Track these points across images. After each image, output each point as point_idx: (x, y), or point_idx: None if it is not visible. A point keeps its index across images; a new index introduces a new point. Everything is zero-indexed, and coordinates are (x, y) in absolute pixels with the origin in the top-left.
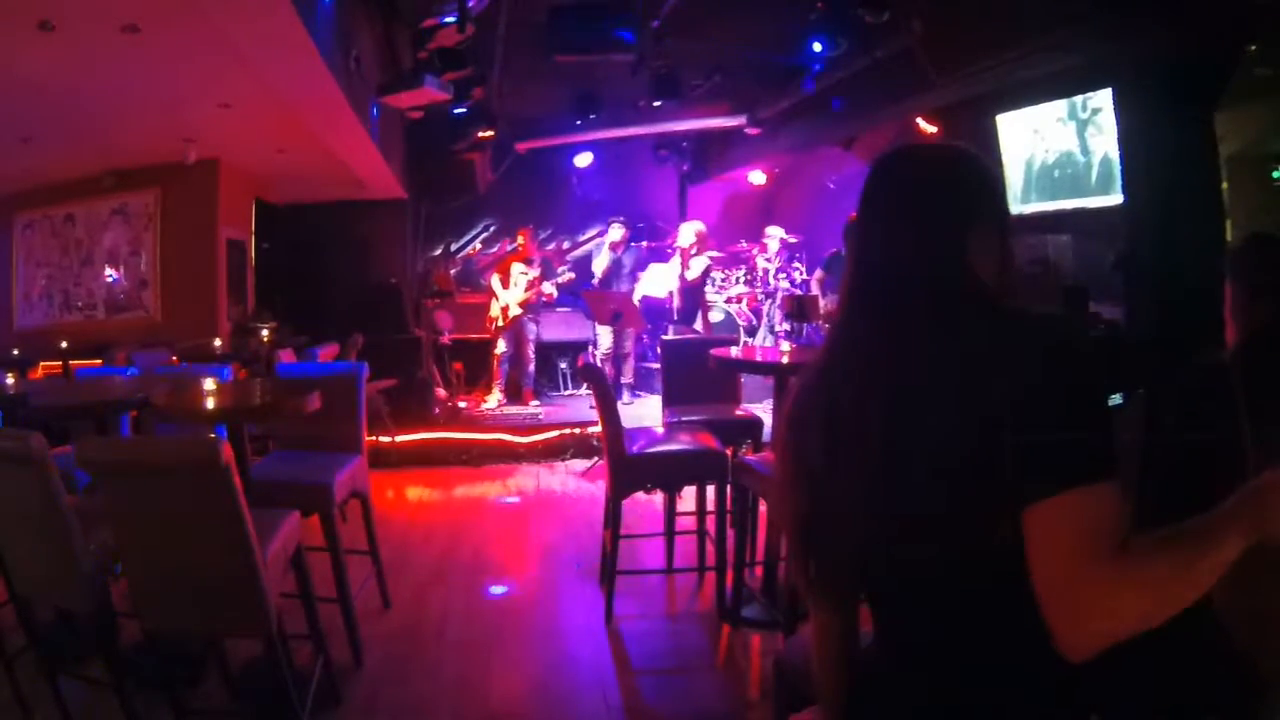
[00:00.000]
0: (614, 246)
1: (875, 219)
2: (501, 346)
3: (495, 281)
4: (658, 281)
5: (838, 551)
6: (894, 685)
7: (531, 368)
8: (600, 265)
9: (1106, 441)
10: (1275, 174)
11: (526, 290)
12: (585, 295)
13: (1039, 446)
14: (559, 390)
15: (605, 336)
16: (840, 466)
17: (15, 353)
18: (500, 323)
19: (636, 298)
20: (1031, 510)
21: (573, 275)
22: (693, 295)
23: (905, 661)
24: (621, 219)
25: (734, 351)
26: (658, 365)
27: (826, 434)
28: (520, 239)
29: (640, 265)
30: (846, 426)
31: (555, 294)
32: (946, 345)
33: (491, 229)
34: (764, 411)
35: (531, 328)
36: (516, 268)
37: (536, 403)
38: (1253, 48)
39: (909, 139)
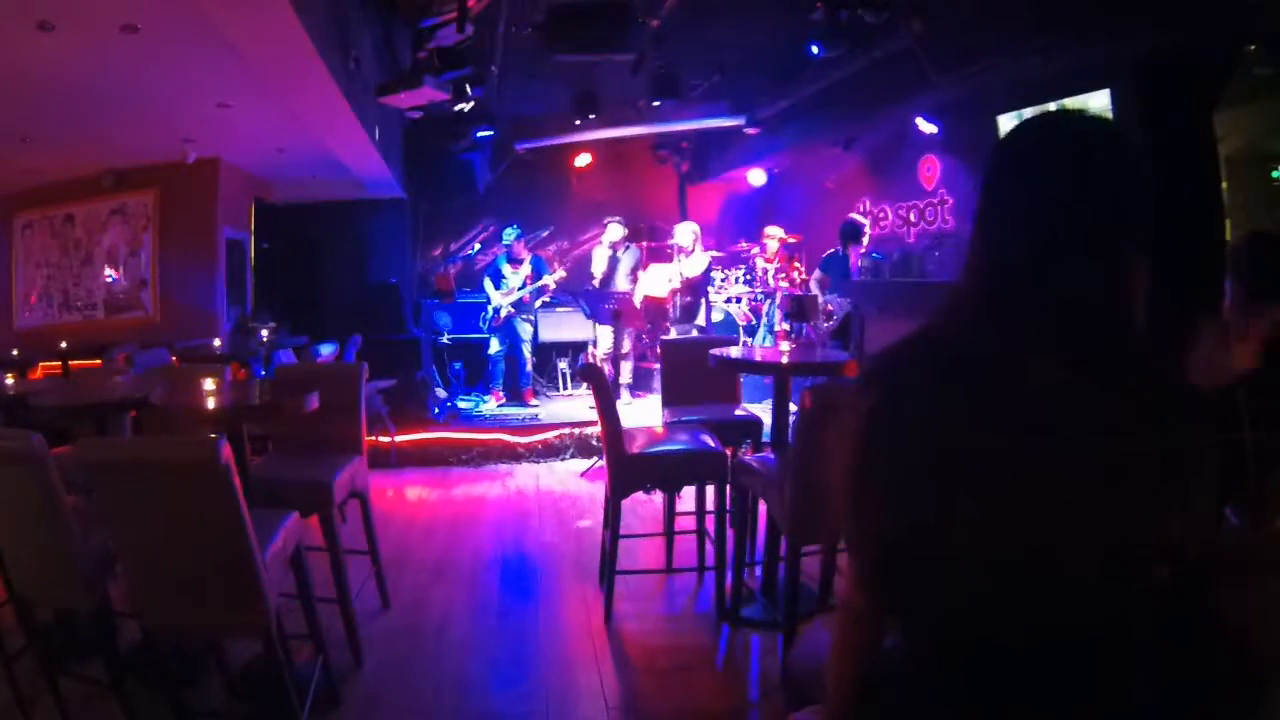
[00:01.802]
0: (612, 245)
1: (1057, 210)
2: (495, 346)
3: (486, 282)
4: (658, 281)
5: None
6: (931, 690)
7: (529, 367)
8: (599, 266)
9: None
10: (1275, 173)
11: (518, 289)
12: (586, 295)
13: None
14: (558, 390)
15: (605, 337)
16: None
17: (15, 353)
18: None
19: (638, 298)
20: None
21: (564, 274)
22: (695, 292)
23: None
24: (619, 219)
25: (733, 351)
26: (657, 365)
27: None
28: (508, 237)
29: (639, 265)
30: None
31: (552, 285)
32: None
33: (490, 229)
34: (764, 411)
35: (526, 327)
36: (508, 268)
37: (535, 402)
38: (1252, 48)
39: (906, 139)
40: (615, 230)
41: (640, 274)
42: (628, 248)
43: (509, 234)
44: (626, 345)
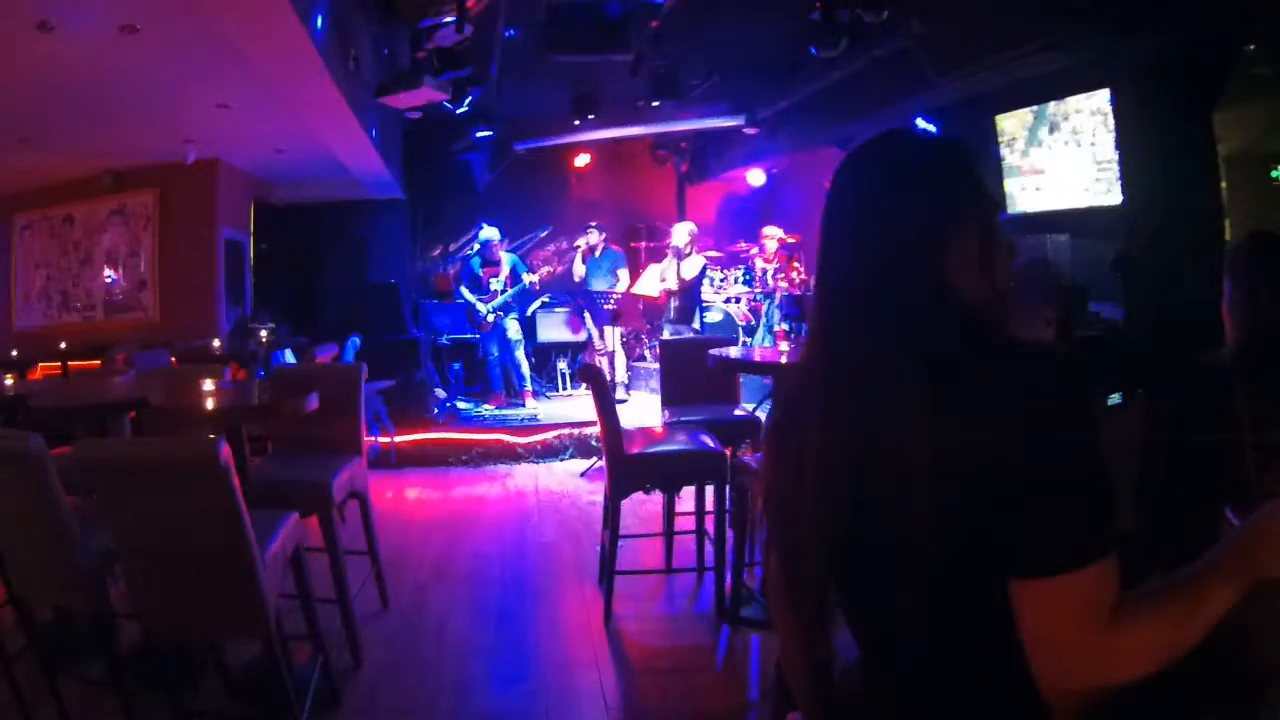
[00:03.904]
0: (585, 251)
1: (836, 226)
2: (495, 352)
3: (464, 290)
4: (652, 282)
5: (810, 581)
6: (869, 707)
7: (524, 369)
8: (578, 270)
9: (1108, 517)
10: (1274, 173)
11: (501, 294)
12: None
13: (1037, 526)
14: (557, 390)
15: (596, 334)
16: (807, 505)
17: (14, 353)
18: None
19: (622, 289)
20: (1023, 585)
21: (550, 268)
22: (690, 294)
23: (881, 686)
24: (597, 224)
25: (733, 352)
26: (656, 364)
27: (797, 470)
28: (485, 236)
29: (620, 265)
30: (812, 465)
31: (537, 284)
32: (917, 382)
33: None
34: (762, 411)
35: (514, 327)
36: (481, 270)
37: (534, 403)
38: (1251, 48)
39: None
40: (591, 236)
41: (620, 272)
42: (605, 250)
43: (486, 233)
44: (615, 343)
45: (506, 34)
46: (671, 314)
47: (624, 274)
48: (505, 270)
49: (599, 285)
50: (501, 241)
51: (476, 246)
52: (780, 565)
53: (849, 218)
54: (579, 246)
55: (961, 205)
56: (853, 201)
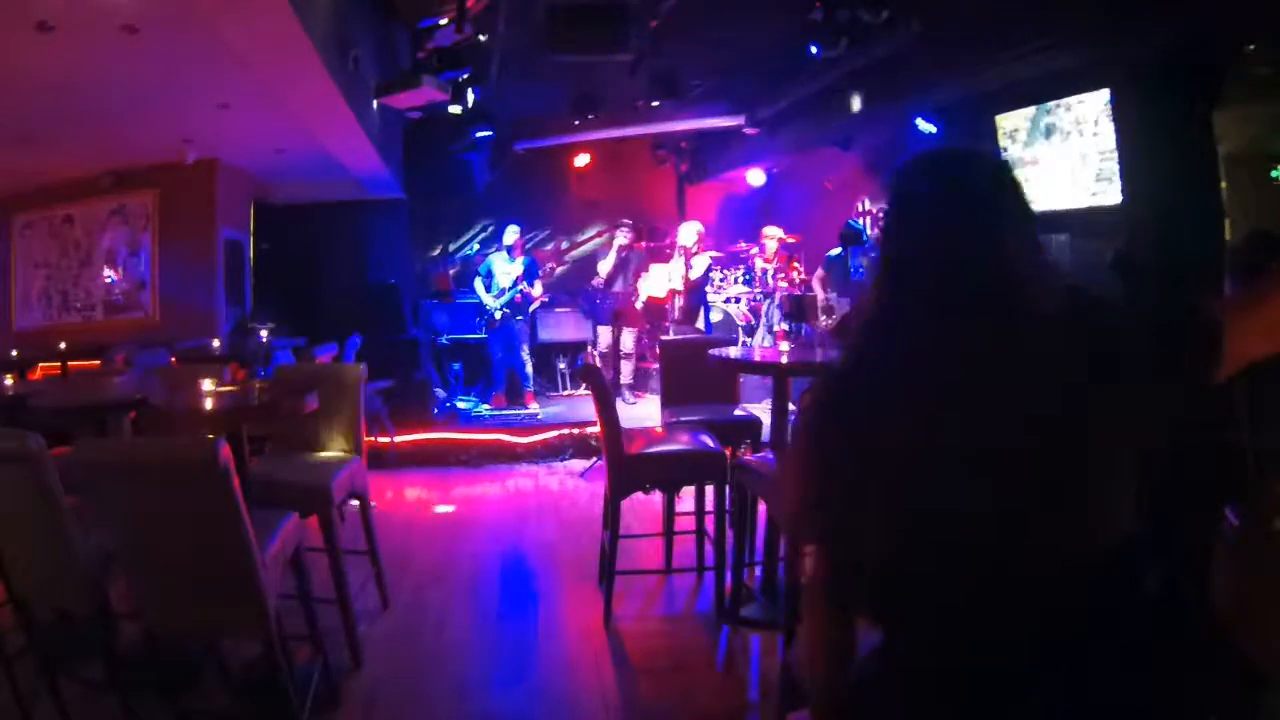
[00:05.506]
0: (621, 250)
1: (937, 221)
2: (500, 354)
3: (477, 283)
4: (658, 281)
5: (870, 558)
6: (908, 686)
7: (528, 369)
8: (606, 266)
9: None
10: (1274, 173)
11: (509, 289)
12: (585, 295)
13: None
14: (558, 390)
15: (605, 336)
16: (881, 502)
17: (14, 354)
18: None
19: (641, 299)
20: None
21: (552, 266)
22: (696, 294)
23: (927, 662)
24: (629, 222)
25: (733, 351)
26: (656, 365)
27: (858, 441)
28: (510, 236)
29: (642, 268)
30: (892, 460)
31: (538, 291)
32: (1036, 335)
33: (490, 229)
34: (763, 411)
35: (523, 329)
36: (500, 266)
37: (535, 405)
38: (1251, 47)
39: (906, 139)
40: (626, 235)
41: (642, 274)
42: (634, 251)
43: (511, 231)
44: (627, 345)
45: (505, 33)
46: (676, 314)
47: (644, 276)
48: (519, 268)
49: (620, 286)
50: (521, 238)
51: (476, 247)
52: (827, 561)
53: (958, 217)
54: (616, 243)
55: (1027, 206)
56: (958, 203)
